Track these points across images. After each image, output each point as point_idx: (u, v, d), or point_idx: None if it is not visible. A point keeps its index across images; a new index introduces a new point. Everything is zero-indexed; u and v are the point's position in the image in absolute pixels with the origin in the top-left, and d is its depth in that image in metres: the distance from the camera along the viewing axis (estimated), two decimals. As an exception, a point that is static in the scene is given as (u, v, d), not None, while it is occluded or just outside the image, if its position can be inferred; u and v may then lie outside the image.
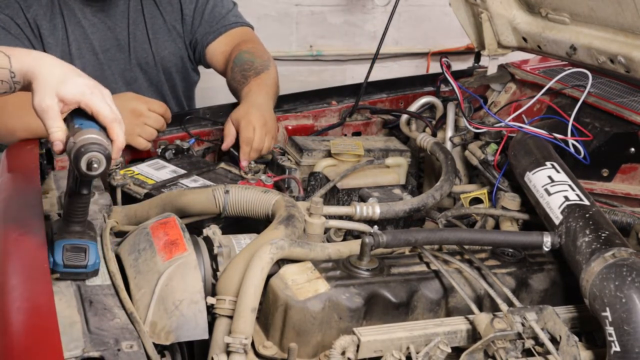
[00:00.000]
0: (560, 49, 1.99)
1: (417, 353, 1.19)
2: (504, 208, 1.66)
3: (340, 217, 1.62)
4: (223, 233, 1.44)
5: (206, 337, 1.24)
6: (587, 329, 1.32)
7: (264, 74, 2.11)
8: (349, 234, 1.66)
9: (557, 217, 1.43)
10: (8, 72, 1.23)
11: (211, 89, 2.84)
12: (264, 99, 2.01)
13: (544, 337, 1.19)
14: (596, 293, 1.21)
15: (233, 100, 2.16)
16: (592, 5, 1.80)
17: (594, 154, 1.81)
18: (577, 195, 1.46)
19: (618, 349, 1.14)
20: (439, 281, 1.33)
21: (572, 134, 1.79)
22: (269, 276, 1.27)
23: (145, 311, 1.23)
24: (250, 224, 1.57)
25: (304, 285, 1.25)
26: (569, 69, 2.08)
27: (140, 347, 1.13)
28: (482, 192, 1.80)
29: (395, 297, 1.28)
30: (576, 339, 1.18)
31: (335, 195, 1.81)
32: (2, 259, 1.26)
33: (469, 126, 1.89)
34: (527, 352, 1.21)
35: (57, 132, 1.20)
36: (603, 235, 1.31)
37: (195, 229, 1.48)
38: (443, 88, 2.34)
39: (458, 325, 1.25)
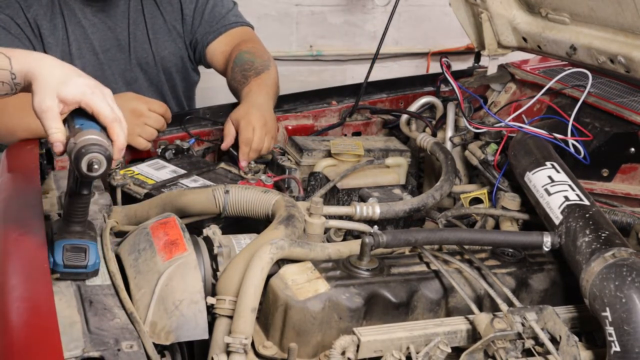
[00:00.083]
0: (560, 49, 1.99)
1: (417, 353, 1.19)
2: (504, 208, 1.66)
3: (340, 217, 1.62)
4: (223, 233, 1.44)
5: (206, 337, 1.24)
6: (587, 329, 1.32)
7: (264, 74, 2.11)
8: (349, 234, 1.66)
9: (557, 217, 1.43)
10: (9, 73, 1.23)
11: (211, 89, 2.84)
12: (264, 99, 2.00)
13: (544, 337, 1.19)
14: (596, 293, 1.21)
15: (233, 100, 2.16)
16: (592, 5, 1.80)
17: (594, 154, 1.81)
18: (577, 195, 1.46)
19: (618, 349, 1.14)
20: (439, 281, 1.33)
21: (572, 134, 1.79)
22: (269, 276, 1.27)
23: (145, 311, 1.23)
24: (250, 224, 1.57)
25: (304, 285, 1.25)
26: (569, 69, 2.08)
27: (140, 347, 1.13)
28: (482, 192, 1.80)
29: (395, 297, 1.28)
30: (576, 339, 1.18)
31: (335, 195, 1.81)
32: (2, 259, 1.26)
33: (469, 126, 1.89)
34: (527, 352, 1.21)
35: (57, 133, 1.19)
36: (603, 235, 1.31)
37: (195, 229, 1.48)
38: (443, 88, 2.34)
39: (458, 325, 1.25)
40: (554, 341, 1.19)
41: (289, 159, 1.96)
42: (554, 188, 1.50)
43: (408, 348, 1.21)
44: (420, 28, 4.09)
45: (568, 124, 1.79)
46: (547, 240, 1.37)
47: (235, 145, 1.91)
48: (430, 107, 2.18)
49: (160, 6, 2.28)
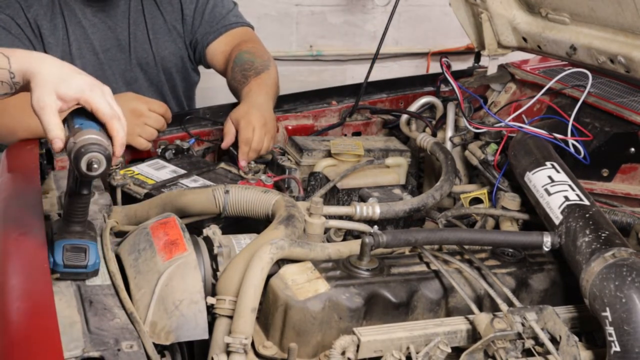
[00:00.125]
0: (560, 49, 1.99)
1: (417, 353, 1.19)
2: (504, 208, 1.66)
3: (340, 217, 1.62)
4: (223, 233, 1.44)
5: (206, 337, 1.24)
6: (587, 329, 1.32)
7: (264, 73, 2.11)
8: (349, 234, 1.66)
9: (557, 217, 1.43)
10: (7, 72, 1.23)
11: (211, 89, 2.84)
12: (264, 99, 2.01)
13: (544, 337, 1.19)
14: (596, 293, 1.21)
15: (233, 100, 2.16)
16: (592, 5, 1.80)
17: (594, 154, 1.81)
18: (577, 195, 1.46)
19: (618, 349, 1.14)
20: (439, 281, 1.33)
21: (572, 134, 1.79)
22: (269, 276, 1.27)
23: (145, 311, 1.23)
24: (250, 224, 1.57)
25: (304, 285, 1.25)
26: (569, 69, 2.08)
27: (140, 347, 1.13)
28: (482, 192, 1.80)
29: (395, 297, 1.28)
30: (576, 339, 1.18)
31: (335, 195, 1.81)
32: (2, 259, 1.26)
33: (469, 126, 1.89)
34: (527, 352, 1.21)
35: (55, 129, 1.19)
36: (603, 235, 1.31)
37: (195, 229, 1.48)
38: (443, 88, 2.34)
39: (458, 325, 1.25)
40: (554, 341, 1.19)
41: (289, 159, 1.96)
42: (554, 188, 1.50)
43: (408, 348, 1.21)
44: (420, 28, 4.09)
45: (568, 124, 1.79)
46: (547, 240, 1.37)
47: (235, 144, 1.91)
48: (430, 107, 2.18)
49: (161, 6, 2.28)
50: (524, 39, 2.13)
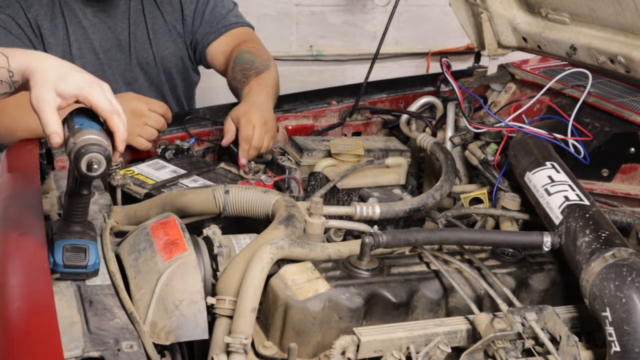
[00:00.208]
0: (560, 49, 1.99)
1: (417, 353, 1.19)
2: (504, 208, 1.66)
3: (340, 217, 1.62)
4: (223, 233, 1.44)
5: (206, 337, 1.24)
6: (587, 329, 1.32)
7: (265, 73, 2.11)
8: (349, 234, 1.66)
9: (557, 217, 1.43)
10: (6, 71, 1.23)
11: (211, 89, 2.84)
12: (264, 98, 2.01)
13: (544, 337, 1.19)
14: (596, 293, 1.21)
15: (233, 100, 2.16)
16: (592, 5, 1.80)
17: (594, 154, 1.81)
18: (577, 195, 1.46)
19: (618, 349, 1.14)
20: (439, 281, 1.33)
21: (572, 134, 1.79)
22: (269, 276, 1.27)
23: (145, 311, 1.23)
24: (250, 224, 1.57)
25: (304, 285, 1.25)
26: (569, 69, 2.08)
27: (140, 347, 1.13)
28: (482, 192, 1.80)
29: (395, 297, 1.28)
30: (576, 339, 1.18)
31: (335, 195, 1.81)
32: (2, 259, 1.26)
33: (469, 126, 1.89)
34: (527, 352, 1.21)
35: (52, 124, 1.19)
36: (603, 235, 1.31)
37: (195, 229, 1.48)
38: (443, 88, 2.34)
39: (458, 325, 1.25)
40: (554, 341, 1.19)
41: (289, 159, 1.96)
42: (554, 188, 1.50)
43: (408, 348, 1.21)
44: (420, 28, 4.09)
45: (568, 124, 1.79)
46: (547, 240, 1.37)
47: (235, 142, 1.91)
48: (430, 107, 2.18)
49: (161, 6, 2.28)
50: (524, 39, 2.13)
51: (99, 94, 1.22)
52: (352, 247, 1.39)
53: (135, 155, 1.96)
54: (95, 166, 1.15)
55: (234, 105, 2.06)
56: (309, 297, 1.23)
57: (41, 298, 1.15)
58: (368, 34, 4.00)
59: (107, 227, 1.42)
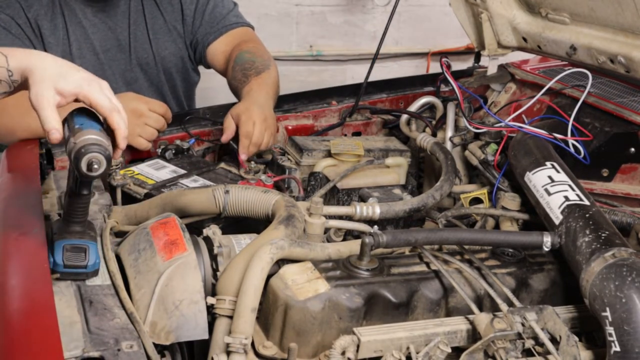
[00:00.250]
0: (560, 49, 1.99)
1: (417, 353, 1.19)
2: (504, 208, 1.66)
3: (340, 217, 1.62)
4: (223, 233, 1.44)
5: (206, 337, 1.24)
6: (587, 329, 1.32)
7: (265, 73, 2.11)
8: (349, 234, 1.66)
9: (557, 217, 1.43)
10: (5, 70, 1.24)
11: (211, 89, 2.84)
12: (264, 97, 2.01)
13: (544, 337, 1.19)
14: (596, 293, 1.21)
15: (233, 100, 2.16)
16: (592, 5, 1.80)
17: (594, 154, 1.81)
18: (577, 195, 1.46)
19: (618, 349, 1.14)
20: (439, 281, 1.33)
21: (572, 134, 1.79)
22: (269, 276, 1.27)
23: (145, 311, 1.23)
24: (250, 224, 1.57)
25: (304, 285, 1.25)
26: (569, 69, 2.08)
27: (140, 347, 1.13)
28: (482, 192, 1.80)
29: (395, 297, 1.28)
30: (576, 339, 1.18)
31: (335, 195, 1.81)
32: (2, 259, 1.26)
33: (469, 126, 1.89)
34: (527, 352, 1.21)
35: (52, 121, 1.19)
36: (603, 235, 1.31)
37: (195, 229, 1.48)
38: (443, 88, 2.34)
39: (458, 325, 1.25)
40: (554, 341, 1.19)
41: (289, 159, 1.96)
42: (554, 188, 1.50)
43: (408, 348, 1.21)
44: (420, 28, 4.09)
45: (568, 124, 1.79)
46: (547, 240, 1.37)
47: (235, 139, 1.91)
48: (430, 107, 2.18)
49: (161, 6, 2.28)
50: (524, 39, 2.13)
51: (98, 92, 1.23)
52: (352, 247, 1.39)
53: (135, 155, 1.96)
54: (96, 166, 1.15)
55: (234, 105, 2.06)
56: (309, 297, 1.23)
57: (41, 298, 1.15)
58: (368, 34, 4.01)
59: (107, 227, 1.42)
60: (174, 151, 1.94)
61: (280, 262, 1.32)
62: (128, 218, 1.60)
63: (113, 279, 1.28)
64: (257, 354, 1.24)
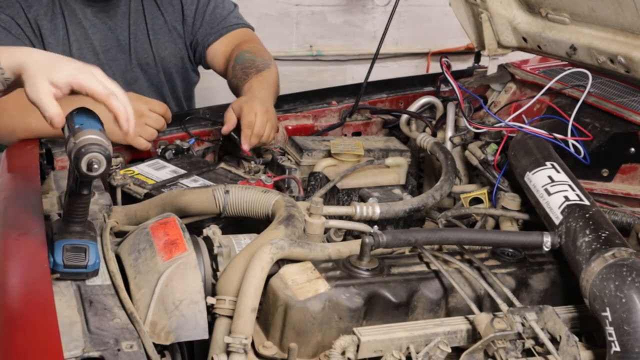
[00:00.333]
0: (560, 49, 1.99)
1: (417, 353, 1.19)
2: (504, 208, 1.66)
3: (340, 217, 1.62)
4: (223, 233, 1.44)
5: (206, 337, 1.24)
6: (587, 329, 1.32)
7: (266, 72, 2.12)
8: (349, 234, 1.66)
9: (557, 217, 1.43)
10: None
11: (211, 89, 2.84)
12: (265, 93, 2.01)
13: (544, 337, 1.19)
14: (596, 293, 1.21)
15: (234, 99, 2.16)
16: (592, 5, 1.80)
17: (594, 154, 1.81)
18: (577, 195, 1.46)
19: (618, 349, 1.14)
20: (439, 281, 1.33)
21: (572, 134, 1.79)
22: (269, 276, 1.27)
23: (145, 311, 1.23)
24: (250, 224, 1.57)
25: (304, 285, 1.25)
26: (569, 69, 2.08)
27: (140, 347, 1.13)
28: (482, 192, 1.80)
29: (395, 297, 1.28)
30: (576, 339, 1.18)
31: (335, 195, 1.81)
32: (2, 259, 1.26)
33: (469, 126, 1.89)
34: (527, 352, 1.21)
35: (52, 107, 1.20)
36: (603, 235, 1.31)
37: (195, 229, 1.48)
38: (443, 88, 2.34)
39: (458, 325, 1.25)
40: (554, 341, 1.19)
41: (289, 159, 1.96)
42: (554, 188, 1.50)
43: (408, 348, 1.21)
44: (420, 28, 4.09)
45: (568, 124, 1.79)
46: (547, 240, 1.37)
47: (236, 130, 1.91)
48: (430, 107, 2.18)
49: (161, 7, 2.29)
50: (524, 39, 2.13)
51: (92, 79, 1.23)
52: (352, 247, 1.39)
53: (135, 155, 1.96)
54: (96, 166, 1.15)
55: (234, 104, 2.06)
56: (309, 297, 1.23)
57: (41, 298, 1.15)
58: (368, 34, 4.01)
59: (107, 227, 1.42)
60: (174, 151, 1.94)
61: (280, 262, 1.32)
62: (128, 218, 1.60)
63: (113, 279, 1.28)
64: (257, 354, 1.24)
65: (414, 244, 1.34)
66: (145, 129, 1.92)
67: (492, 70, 2.32)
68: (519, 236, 1.42)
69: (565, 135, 1.77)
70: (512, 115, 1.88)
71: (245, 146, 1.86)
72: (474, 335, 1.24)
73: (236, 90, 2.15)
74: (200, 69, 2.47)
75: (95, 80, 1.23)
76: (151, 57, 2.29)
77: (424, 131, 2.07)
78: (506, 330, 1.20)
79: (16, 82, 1.26)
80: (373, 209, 1.59)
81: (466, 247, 1.43)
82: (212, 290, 1.34)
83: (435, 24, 4.05)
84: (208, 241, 1.40)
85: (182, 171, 1.85)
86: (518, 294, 1.36)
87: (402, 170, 1.98)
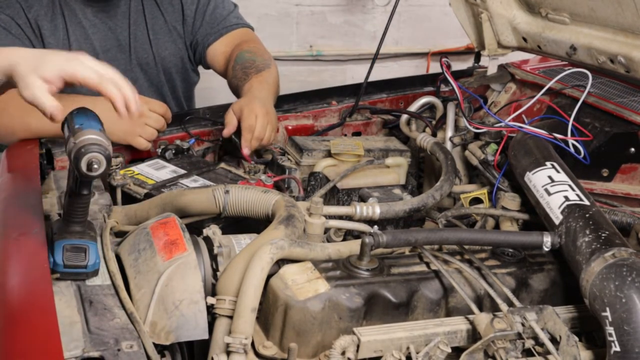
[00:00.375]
0: (560, 49, 1.99)
1: (417, 353, 1.19)
2: (504, 208, 1.66)
3: (340, 217, 1.62)
4: (223, 233, 1.44)
5: (206, 337, 1.24)
6: (587, 329, 1.32)
7: (266, 71, 2.11)
8: (349, 234, 1.66)
9: (557, 217, 1.43)
10: None
11: (211, 89, 2.84)
12: (265, 94, 2.01)
13: (544, 337, 1.19)
14: (596, 293, 1.21)
15: (233, 100, 2.16)
16: (592, 5, 1.80)
17: (594, 154, 1.81)
18: (577, 195, 1.46)
19: (618, 349, 1.14)
20: (439, 281, 1.33)
21: (572, 134, 1.79)
22: (269, 276, 1.27)
23: (145, 311, 1.23)
24: (250, 224, 1.57)
25: (304, 285, 1.25)
26: (569, 69, 2.08)
27: (140, 347, 1.13)
28: (482, 192, 1.80)
29: (395, 297, 1.28)
30: (576, 339, 1.18)
31: (335, 195, 1.81)
32: (2, 259, 1.26)
33: (469, 126, 1.89)
34: (527, 352, 1.21)
35: (49, 101, 1.20)
36: (603, 235, 1.31)
37: (195, 229, 1.48)
38: (443, 88, 2.34)
39: (458, 325, 1.25)
40: (554, 341, 1.19)
41: (289, 159, 1.96)
42: (554, 188, 1.50)
43: (408, 348, 1.21)
44: (420, 28, 4.09)
45: (568, 124, 1.79)
46: (547, 240, 1.37)
47: (237, 133, 1.91)
48: (430, 107, 2.18)
49: (161, 7, 2.28)
50: (524, 39, 2.13)
51: (81, 67, 1.23)
52: (352, 247, 1.39)
53: (135, 155, 1.96)
54: (96, 166, 1.15)
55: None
56: (309, 297, 1.23)
57: (41, 298, 1.15)
58: (368, 34, 4.01)
59: (107, 227, 1.42)
60: (174, 151, 1.94)
61: (280, 262, 1.32)
62: (128, 218, 1.60)
63: (113, 279, 1.28)
64: (257, 354, 1.24)
65: (414, 244, 1.34)
66: (145, 129, 1.92)
67: (492, 70, 2.32)
68: (519, 236, 1.42)
69: (565, 135, 1.77)
70: (512, 115, 1.88)
71: (246, 150, 1.86)
72: (474, 335, 1.24)
73: (236, 90, 2.15)
74: (200, 69, 2.47)
75: (84, 67, 1.23)
76: (151, 57, 2.29)
77: (424, 131, 2.07)
78: (506, 330, 1.20)
79: (7, 84, 1.26)
80: (373, 209, 1.59)
81: (466, 247, 1.43)
82: (212, 290, 1.34)
83: (435, 24, 4.05)
84: (208, 241, 1.40)
85: (182, 171, 1.85)
86: (518, 294, 1.36)
87: (402, 170, 1.98)
